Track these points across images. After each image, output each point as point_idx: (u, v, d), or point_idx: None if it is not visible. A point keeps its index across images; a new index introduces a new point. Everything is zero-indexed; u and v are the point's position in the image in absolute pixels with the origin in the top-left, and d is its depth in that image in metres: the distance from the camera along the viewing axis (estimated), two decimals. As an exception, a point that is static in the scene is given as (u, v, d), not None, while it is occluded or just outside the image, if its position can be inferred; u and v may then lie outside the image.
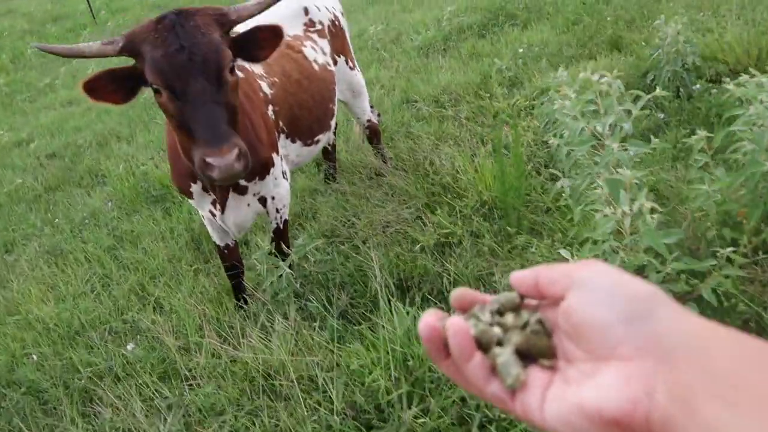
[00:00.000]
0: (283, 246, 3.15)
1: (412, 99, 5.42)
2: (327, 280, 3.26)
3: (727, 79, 4.68)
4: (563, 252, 2.56)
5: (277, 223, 3.09)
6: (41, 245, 4.60)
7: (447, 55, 6.64)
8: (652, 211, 2.43)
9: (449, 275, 3.11)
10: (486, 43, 6.60)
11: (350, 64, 3.97)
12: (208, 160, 2.13)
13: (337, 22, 3.93)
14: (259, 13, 2.44)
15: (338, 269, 3.30)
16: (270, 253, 3.15)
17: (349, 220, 3.86)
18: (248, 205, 2.91)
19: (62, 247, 4.47)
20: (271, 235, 3.15)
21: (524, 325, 0.62)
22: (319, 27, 3.71)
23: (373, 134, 4.44)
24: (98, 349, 3.22)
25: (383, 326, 2.62)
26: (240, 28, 2.46)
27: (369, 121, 4.37)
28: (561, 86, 4.19)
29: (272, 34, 2.42)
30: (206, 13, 2.26)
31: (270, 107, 2.98)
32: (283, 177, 3.02)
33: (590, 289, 0.56)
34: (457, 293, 0.66)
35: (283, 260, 3.08)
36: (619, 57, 5.53)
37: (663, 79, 4.73)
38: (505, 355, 0.59)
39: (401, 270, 3.18)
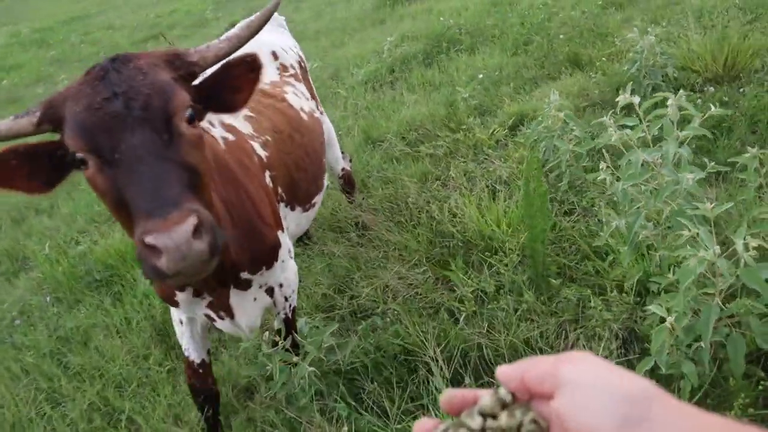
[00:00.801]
0: (295, 337, 2.56)
1: (376, 138, 4.96)
2: (344, 368, 2.70)
3: (711, 89, 4.57)
4: (654, 308, 2.13)
5: (285, 313, 2.51)
6: (-41, 358, 3.75)
7: (396, 87, 6.24)
8: (746, 247, 2.06)
9: (492, 344, 2.63)
10: (435, 71, 6.26)
11: (319, 108, 3.46)
12: (148, 239, 1.38)
13: (302, 63, 3.44)
14: (230, 53, 1.82)
15: (356, 352, 2.75)
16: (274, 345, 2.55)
17: (345, 288, 3.31)
18: (254, 299, 2.31)
19: (-11, 357, 3.65)
20: (278, 327, 2.55)
21: (519, 427, 0.60)
22: (291, 71, 3.19)
23: (347, 184, 3.95)
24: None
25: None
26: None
27: (343, 170, 3.87)
28: (553, 110, 3.87)
29: (247, 68, 1.78)
30: (152, 55, 1.67)
31: (267, 173, 2.41)
32: (290, 256, 2.45)
33: (579, 390, 0.56)
34: (446, 396, 0.66)
35: (295, 353, 2.50)
36: (582, 75, 5.31)
37: (641, 93, 4.51)
38: None
39: (450, 346, 2.67)
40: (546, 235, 3.04)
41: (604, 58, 5.40)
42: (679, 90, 4.71)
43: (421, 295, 3.09)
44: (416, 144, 4.67)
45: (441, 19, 7.48)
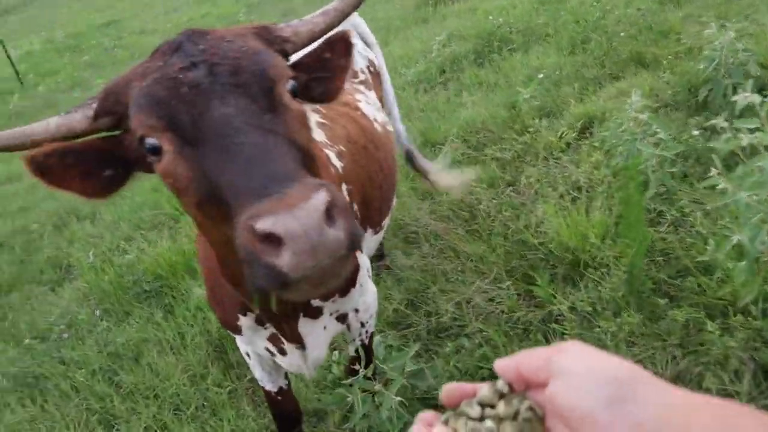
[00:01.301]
0: (375, 362, 2.29)
1: (435, 141, 4.69)
2: (431, 395, 2.43)
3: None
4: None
5: (362, 340, 2.23)
6: (4, 374, 3.55)
7: (448, 87, 5.97)
8: None
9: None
10: (488, 71, 5.98)
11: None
12: (261, 225, 0.96)
13: (373, 67, 3.07)
14: (328, 30, 1.50)
15: (440, 376, 2.48)
16: (351, 372, 2.29)
17: (420, 304, 3.04)
18: (324, 328, 1.97)
19: (35, 373, 3.45)
20: (353, 354, 2.28)
21: (516, 414, 0.62)
22: (362, 77, 2.89)
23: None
24: None
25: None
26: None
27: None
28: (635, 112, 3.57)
29: (344, 49, 1.49)
30: (234, 29, 1.38)
31: (344, 186, 2.10)
32: (368, 277, 2.16)
33: (570, 375, 0.58)
34: (446, 390, 0.69)
35: (371, 380, 2.23)
36: (649, 74, 4.99)
37: (719, 94, 4.18)
38: None
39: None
40: (645, 249, 2.75)
41: (671, 57, 5.07)
42: (761, 89, 4.37)
43: (505, 312, 2.81)
44: (480, 147, 4.39)
45: (489, 17, 7.18)
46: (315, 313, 1.90)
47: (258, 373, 2.22)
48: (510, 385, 0.65)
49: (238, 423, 2.65)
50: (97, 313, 3.82)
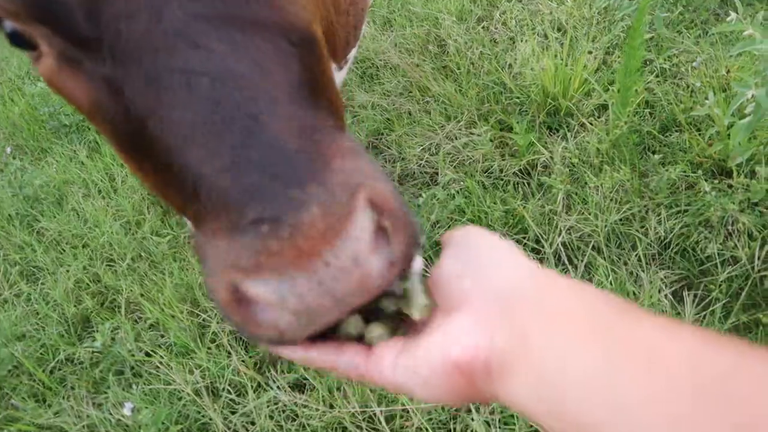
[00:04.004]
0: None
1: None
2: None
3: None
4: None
5: None
6: None
7: None
8: None
9: (584, 227, 2.16)
10: None
11: None
12: (250, 291, 0.53)
13: None
14: None
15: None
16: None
17: (384, 148, 2.74)
18: None
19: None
20: None
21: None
22: None
23: None
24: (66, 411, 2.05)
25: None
26: None
27: None
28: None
29: None
30: None
31: None
32: None
33: (455, 247, 0.59)
34: None
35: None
36: None
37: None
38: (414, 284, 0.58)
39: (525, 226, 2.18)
40: (633, 99, 2.49)
41: None
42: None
43: (480, 162, 2.55)
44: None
45: None
46: None
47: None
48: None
49: (182, 276, 2.38)
50: (8, 150, 3.33)
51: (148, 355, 2.12)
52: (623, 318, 0.46)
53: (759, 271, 1.82)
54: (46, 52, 0.66)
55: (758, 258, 1.83)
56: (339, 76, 2.16)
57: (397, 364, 0.54)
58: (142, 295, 2.33)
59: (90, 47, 0.60)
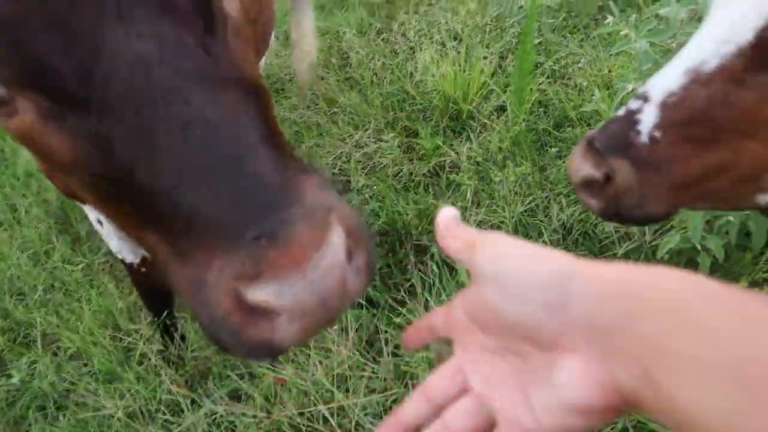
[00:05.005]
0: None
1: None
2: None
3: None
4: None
5: None
6: None
7: None
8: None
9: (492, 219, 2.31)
10: None
11: None
12: (254, 297, 0.62)
13: None
14: None
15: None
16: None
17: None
18: None
19: None
20: None
21: None
22: None
23: None
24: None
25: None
26: None
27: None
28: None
29: None
30: None
31: None
32: None
33: (502, 282, 0.54)
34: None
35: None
36: None
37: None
38: None
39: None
40: (529, 98, 2.69)
41: None
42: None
43: (389, 166, 2.65)
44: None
45: None
46: None
47: (114, 243, 1.85)
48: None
49: (99, 302, 2.33)
50: None
51: (72, 384, 2.06)
52: (751, 331, 0.41)
53: (650, 243, 2.02)
54: (24, 109, 0.68)
55: (647, 231, 2.04)
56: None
57: (536, 413, 0.52)
58: (58, 326, 2.26)
59: (76, 105, 0.65)
